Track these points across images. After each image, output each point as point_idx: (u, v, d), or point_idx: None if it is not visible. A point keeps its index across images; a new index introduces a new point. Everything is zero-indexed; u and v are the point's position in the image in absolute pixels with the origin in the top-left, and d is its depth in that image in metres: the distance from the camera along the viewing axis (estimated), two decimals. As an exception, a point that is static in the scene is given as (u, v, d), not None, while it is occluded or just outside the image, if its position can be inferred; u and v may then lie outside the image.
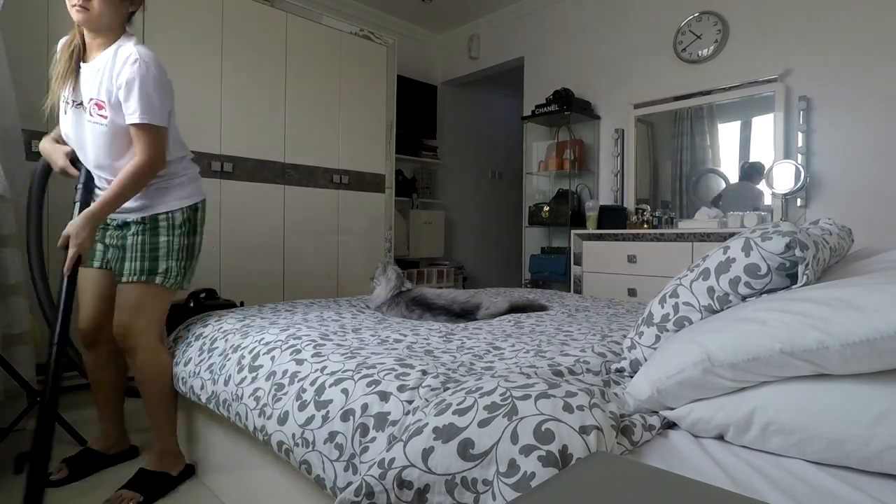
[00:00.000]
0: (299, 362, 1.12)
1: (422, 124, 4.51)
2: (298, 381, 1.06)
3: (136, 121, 1.33)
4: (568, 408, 0.75)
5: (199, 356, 1.42)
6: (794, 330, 0.69)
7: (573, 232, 3.27)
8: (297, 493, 1.11)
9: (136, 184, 1.38)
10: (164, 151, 1.42)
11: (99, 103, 1.37)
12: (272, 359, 1.18)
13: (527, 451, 0.69)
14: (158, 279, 1.47)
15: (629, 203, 3.38)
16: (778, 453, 0.72)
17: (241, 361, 1.24)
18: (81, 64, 1.40)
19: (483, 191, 5.23)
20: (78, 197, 1.45)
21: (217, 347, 1.38)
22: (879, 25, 2.53)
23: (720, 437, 0.78)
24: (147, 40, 2.50)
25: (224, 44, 2.78)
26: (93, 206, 1.35)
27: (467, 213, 5.06)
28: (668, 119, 3.28)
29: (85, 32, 1.40)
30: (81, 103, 1.40)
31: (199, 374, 1.36)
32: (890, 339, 0.61)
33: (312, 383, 1.03)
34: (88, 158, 1.44)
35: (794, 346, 0.68)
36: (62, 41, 1.44)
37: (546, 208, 3.71)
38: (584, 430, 0.71)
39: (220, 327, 1.48)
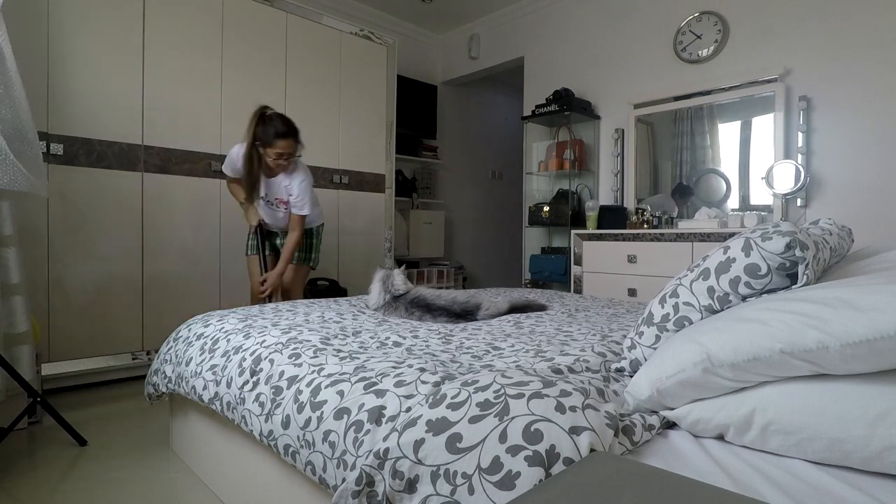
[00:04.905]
0: (299, 366, 1.12)
1: (422, 124, 4.51)
2: (305, 385, 1.06)
3: (297, 213, 2.37)
4: (560, 408, 0.76)
5: (199, 356, 1.42)
6: (794, 330, 0.69)
7: (573, 232, 3.27)
8: (296, 492, 1.12)
9: (294, 248, 2.40)
10: (303, 229, 2.44)
11: (282, 200, 2.41)
12: (271, 362, 1.18)
13: (514, 451, 0.70)
14: (311, 262, 2.60)
15: (629, 203, 3.38)
16: (778, 453, 0.72)
17: (242, 364, 1.24)
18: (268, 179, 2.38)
19: (483, 191, 5.22)
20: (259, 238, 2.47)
21: (219, 348, 1.38)
22: (880, 25, 2.53)
23: (720, 437, 0.78)
24: (147, 40, 2.51)
25: (224, 44, 2.78)
26: (280, 266, 2.38)
27: (467, 213, 5.06)
28: (668, 119, 3.28)
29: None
30: (269, 200, 2.42)
31: (200, 373, 1.36)
32: (890, 339, 0.61)
33: (309, 384, 1.03)
34: (270, 222, 2.51)
35: (794, 346, 0.68)
36: (243, 155, 2.31)
37: (546, 208, 3.71)
38: (574, 431, 0.71)
39: (222, 327, 1.48)
